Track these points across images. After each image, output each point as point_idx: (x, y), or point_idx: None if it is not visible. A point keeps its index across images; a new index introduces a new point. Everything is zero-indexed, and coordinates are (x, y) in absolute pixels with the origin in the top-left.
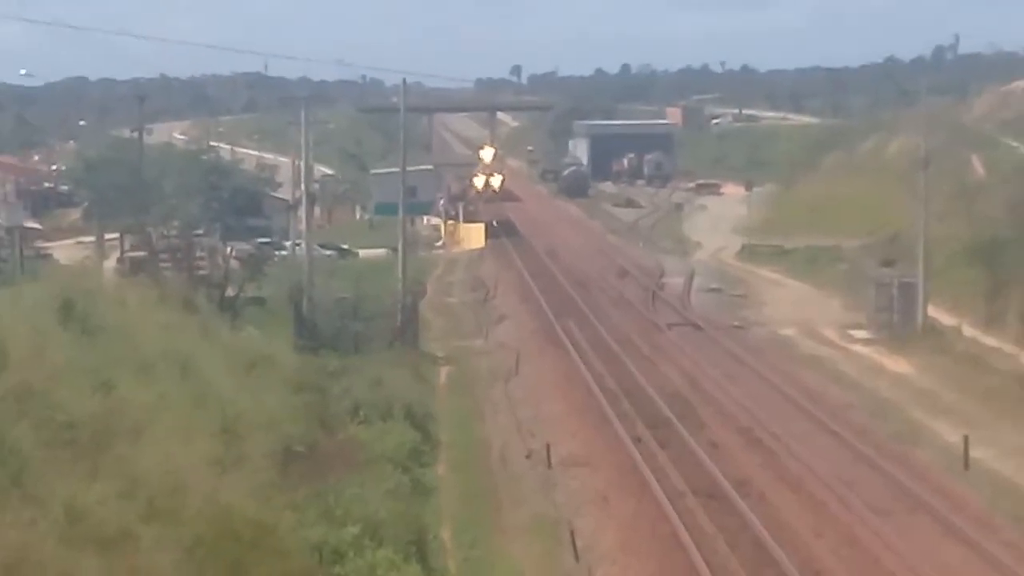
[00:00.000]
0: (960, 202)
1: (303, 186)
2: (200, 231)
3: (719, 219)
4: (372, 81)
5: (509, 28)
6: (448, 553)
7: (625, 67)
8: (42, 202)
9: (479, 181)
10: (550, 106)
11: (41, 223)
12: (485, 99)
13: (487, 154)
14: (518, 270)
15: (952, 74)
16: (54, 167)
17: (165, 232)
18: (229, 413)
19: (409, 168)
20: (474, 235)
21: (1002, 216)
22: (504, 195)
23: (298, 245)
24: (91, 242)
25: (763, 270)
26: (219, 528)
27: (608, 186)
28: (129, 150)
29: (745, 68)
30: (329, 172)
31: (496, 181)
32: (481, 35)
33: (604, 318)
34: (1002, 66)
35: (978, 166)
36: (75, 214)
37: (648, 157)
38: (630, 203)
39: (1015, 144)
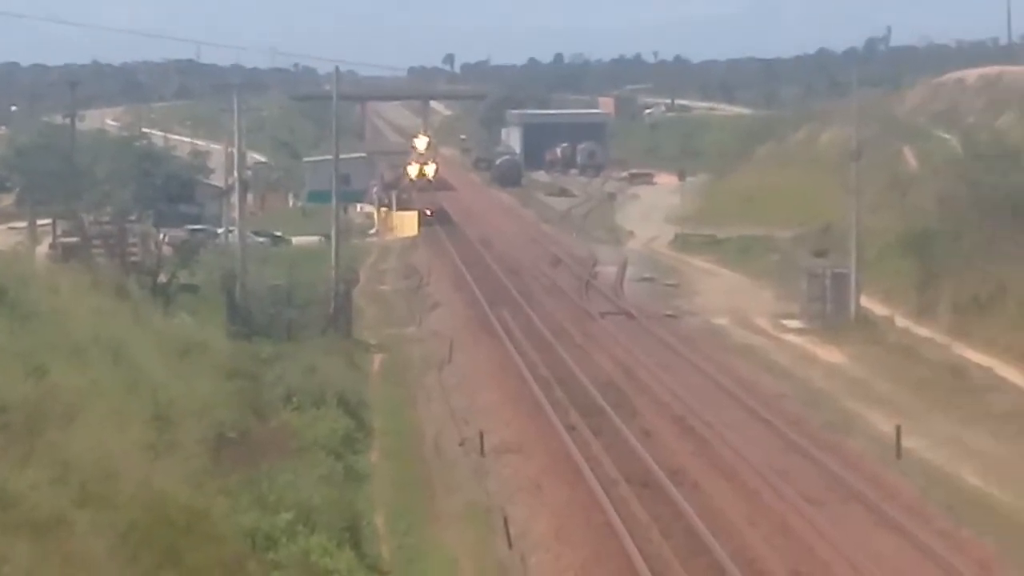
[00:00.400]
0: (892, 193)
1: (236, 173)
2: (133, 217)
3: (652, 208)
4: (305, 69)
5: (442, 16)
6: (382, 540)
7: (558, 56)
8: None
9: (413, 170)
10: (483, 95)
11: None
12: (418, 88)
13: (421, 143)
14: (451, 258)
15: (884, 66)
16: None
17: (98, 218)
18: (162, 399)
19: (342, 156)
20: (407, 223)
21: (933, 208)
22: (438, 184)
23: (231, 232)
24: (23, 228)
25: (696, 259)
26: (153, 514)
27: (541, 175)
28: (61, 136)
29: (678, 58)
30: (262, 159)
31: (430, 170)
32: (414, 23)
33: (537, 306)
34: (934, 58)
35: (910, 158)
36: (7, 200)
37: (581, 146)
38: (563, 192)
39: (946, 136)
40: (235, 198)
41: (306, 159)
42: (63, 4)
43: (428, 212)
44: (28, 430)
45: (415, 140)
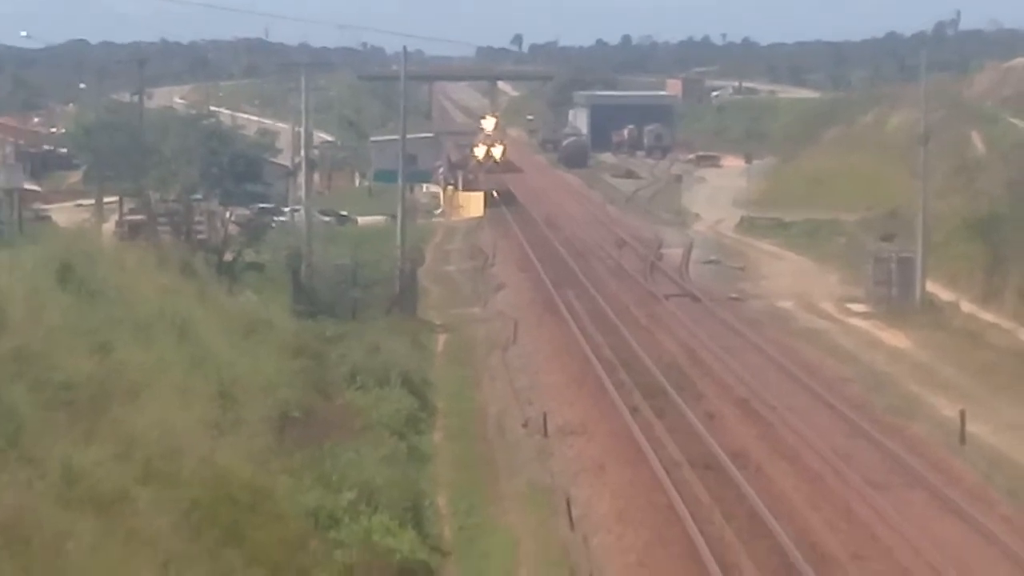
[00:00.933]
0: (959, 178)
1: (303, 152)
2: (199, 196)
3: (718, 191)
4: (373, 48)
5: None
6: (444, 520)
7: (626, 38)
8: (41, 164)
9: (480, 151)
10: (550, 76)
11: (40, 185)
12: (486, 68)
13: (489, 124)
14: (517, 239)
15: (953, 50)
16: (53, 129)
17: (164, 196)
18: (226, 377)
19: (409, 136)
20: (473, 203)
21: (1001, 192)
22: (505, 165)
23: (297, 211)
24: (90, 205)
25: (762, 243)
26: (216, 491)
27: (608, 157)
28: (129, 114)
29: (746, 41)
30: (329, 139)
31: (497, 151)
32: (482, 3)
33: (602, 288)
34: (1003, 42)
35: (978, 142)
36: (74, 177)
37: (648, 128)
38: (629, 174)
39: (1015, 121)
40: (301, 177)
41: (373, 139)
42: None
43: (495, 193)
44: (93, 407)
45: (482, 121)
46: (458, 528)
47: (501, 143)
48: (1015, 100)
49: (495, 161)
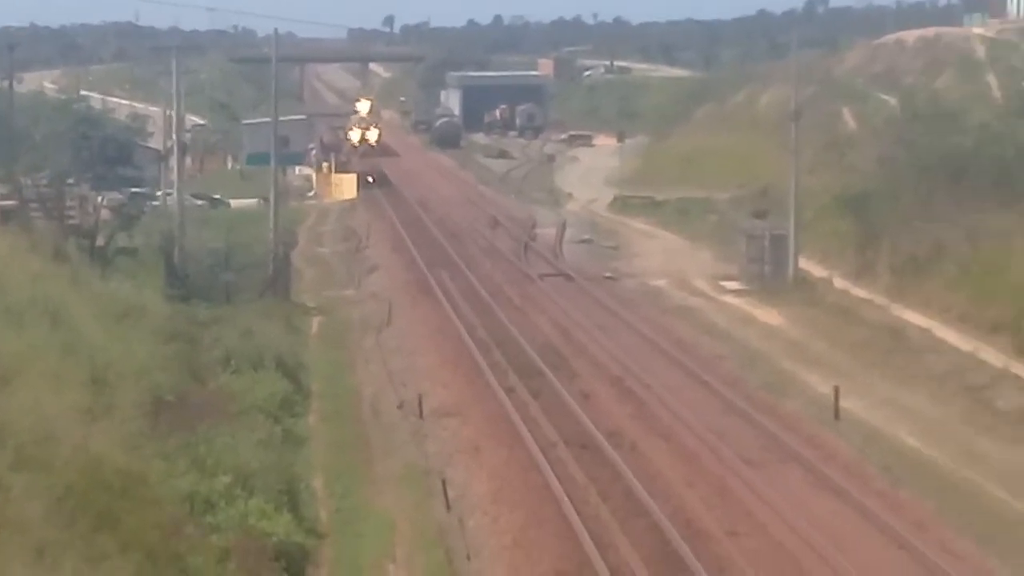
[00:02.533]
0: (831, 154)
1: (174, 136)
2: (71, 180)
3: (591, 170)
4: (244, 31)
5: None
6: (320, 503)
7: (497, 18)
8: None
9: (355, 135)
10: (422, 57)
11: None
12: (357, 50)
13: (363, 107)
14: (390, 220)
15: (823, 27)
16: None
17: (35, 181)
18: (99, 362)
19: (281, 118)
20: (346, 185)
21: (872, 169)
22: (381, 149)
23: (169, 195)
24: None
25: (635, 221)
26: (89, 477)
27: (480, 137)
28: None
29: (617, 20)
30: (201, 122)
31: (373, 135)
32: None
33: (476, 268)
34: (873, 19)
35: (849, 119)
36: None
37: (520, 108)
38: (502, 154)
39: (885, 97)
40: (174, 161)
41: (245, 121)
42: None
43: (370, 179)
44: None
45: (357, 104)
46: (334, 510)
47: (376, 126)
48: (885, 76)
49: (371, 145)
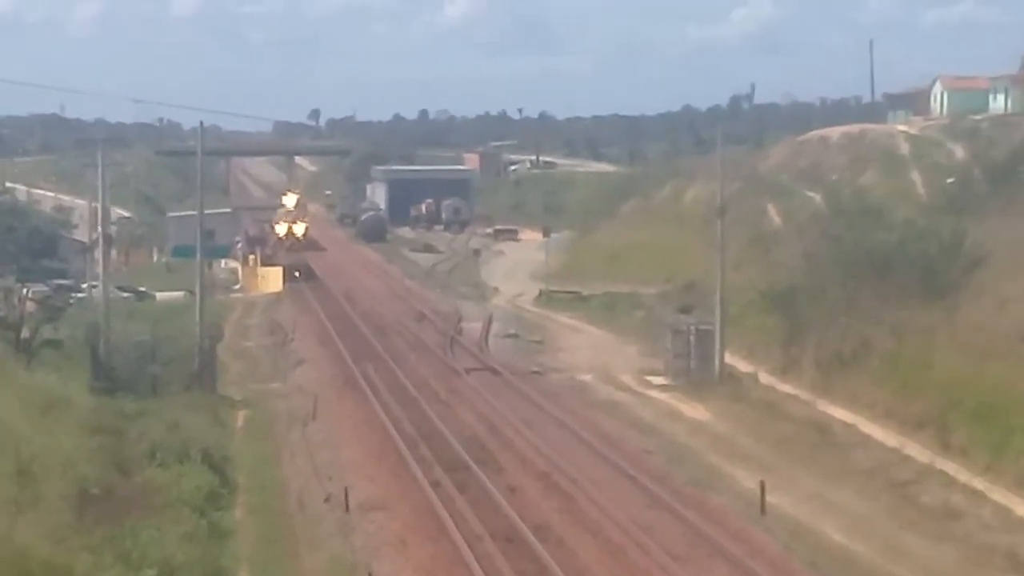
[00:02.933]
0: (756, 250)
1: (100, 228)
2: None
3: (517, 265)
4: (170, 124)
5: (307, 71)
6: None
7: (423, 112)
8: None
9: (281, 228)
10: (348, 151)
11: None
12: (283, 143)
13: (290, 200)
14: (316, 314)
15: (748, 124)
16: None
17: None
18: (24, 454)
19: (207, 211)
20: (272, 279)
21: (797, 264)
22: (308, 243)
23: (95, 287)
24: None
25: (561, 316)
26: (14, 569)
27: (406, 231)
28: None
29: (543, 115)
30: (126, 215)
31: (300, 229)
32: (279, 78)
33: (402, 362)
34: (798, 116)
35: (774, 214)
36: None
37: (446, 202)
38: (428, 248)
39: (810, 193)
40: (99, 253)
41: (171, 214)
42: None
43: (296, 273)
44: None
45: (284, 198)
46: None
47: (303, 220)
48: (810, 172)
49: (297, 239)
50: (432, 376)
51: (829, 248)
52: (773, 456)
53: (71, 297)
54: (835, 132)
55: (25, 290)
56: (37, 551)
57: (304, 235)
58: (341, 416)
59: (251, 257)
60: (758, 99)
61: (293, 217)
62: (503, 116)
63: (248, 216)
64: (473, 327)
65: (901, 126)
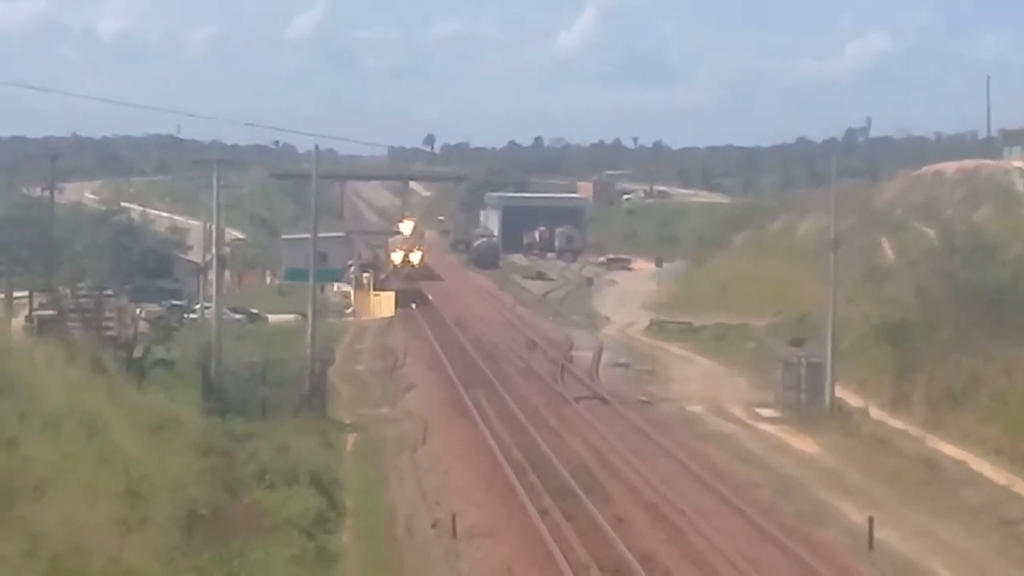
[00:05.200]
0: (869, 284)
1: (214, 249)
2: (109, 292)
3: (629, 294)
4: (285, 147)
5: (422, 98)
6: None
7: (538, 140)
8: None
9: (397, 256)
10: (463, 177)
11: None
12: (398, 168)
13: (407, 227)
14: (427, 339)
15: (863, 157)
16: None
17: (74, 292)
18: (134, 474)
19: (320, 234)
20: (384, 303)
21: (910, 299)
22: (423, 272)
23: (207, 308)
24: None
25: (672, 346)
26: None
27: (519, 258)
28: (40, 209)
29: (657, 144)
30: (240, 236)
31: (415, 257)
32: (394, 104)
33: (512, 389)
34: (913, 150)
35: (887, 249)
36: None
37: (559, 230)
38: (540, 276)
39: (924, 228)
40: (212, 274)
41: (284, 236)
42: (42, 76)
43: (412, 304)
44: None
45: (400, 224)
46: None
47: (419, 248)
48: (924, 207)
49: (413, 267)
50: (542, 404)
51: (942, 283)
52: (882, 491)
53: (183, 317)
54: (950, 167)
55: (138, 310)
56: (145, 571)
57: (420, 263)
58: (450, 442)
59: (364, 281)
60: (873, 133)
61: (409, 245)
62: (617, 145)
63: (361, 240)
64: (584, 356)
65: (1017, 162)
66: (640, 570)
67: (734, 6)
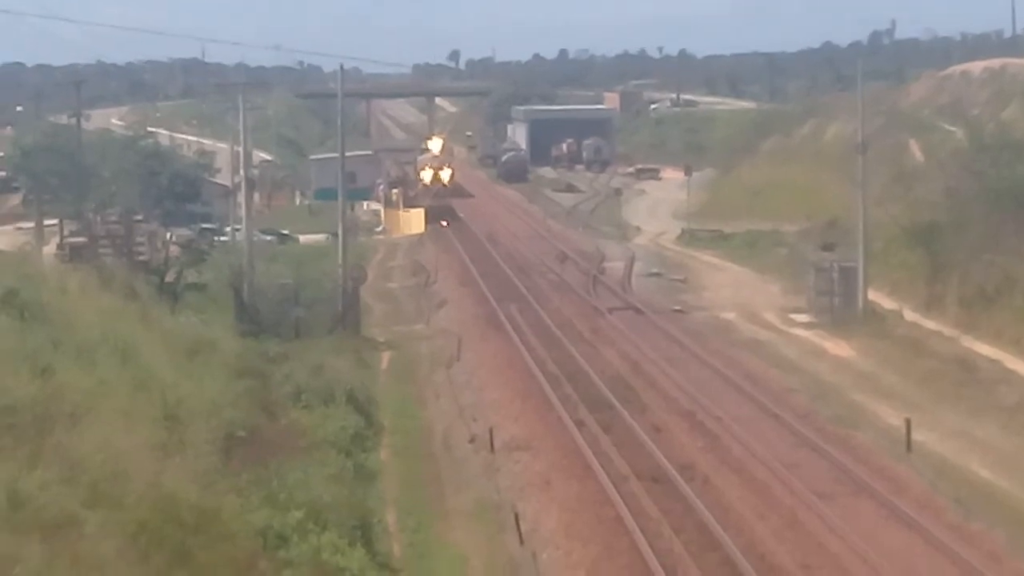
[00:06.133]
0: (898, 186)
1: (242, 172)
2: (140, 217)
3: (658, 204)
4: (310, 67)
5: (446, 14)
6: (392, 537)
7: (563, 52)
8: None
9: (427, 175)
10: (488, 91)
11: None
12: (423, 85)
13: (436, 145)
14: (459, 255)
15: (889, 59)
16: None
17: (104, 218)
18: (170, 398)
19: (348, 154)
20: (414, 220)
21: (940, 200)
22: (453, 190)
23: (238, 230)
24: (30, 228)
25: (703, 255)
26: (163, 514)
27: (547, 171)
28: (67, 136)
29: (683, 53)
30: (268, 158)
31: (446, 175)
32: (418, 20)
33: (545, 302)
34: (938, 51)
35: (916, 150)
36: (14, 200)
37: (587, 142)
38: (570, 188)
39: (952, 128)
40: (241, 197)
41: (312, 157)
42: (65, 4)
43: (443, 222)
44: (36, 430)
45: (429, 142)
46: (407, 545)
47: (449, 166)
48: (951, 108)
49: (444, 185)
50: (575, 316)
51: (972, 183)
52: (918, 393)
53: (214, 241)
54: (977, 67)
55: (169, 234)
56: (185, 495)
57: (450, 181)
58: (484, 357)
59: (393, 198)
60: (898, 34)
61: (439, 163)
62: (643, 55)
63: (390, 158)
64: (615, 266)
65: None
66: (679, 478)
67: None
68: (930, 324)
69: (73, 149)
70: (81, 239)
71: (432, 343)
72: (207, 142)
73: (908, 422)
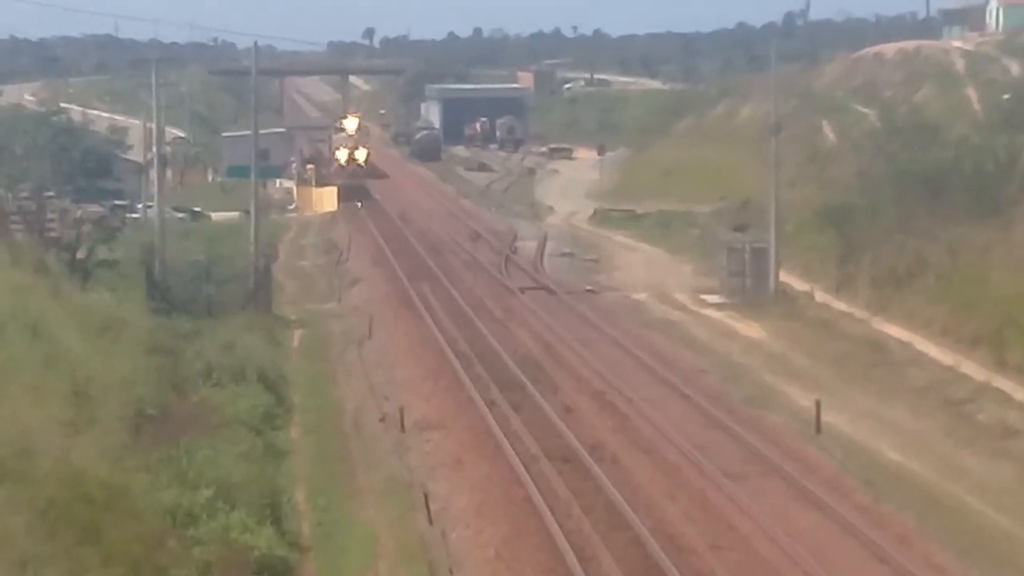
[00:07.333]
0: (811, 168)
1: (154, 148)
2: (51, 193)
3: (571, 183)
4: (224, 44)
5: None
6: (302, 516)
7: (477, 31)
8: None
9: (342, 155)
10: (402, 69)
11: None
12: (337, 62)
13: (351, 124)
14: (371, 234)
15: (803, 40)
16: None
17: (15, 194)
18: (80, 375)
19: (261, 131)
20: (327, 198)
21: (852, 182)
22: (369, 170)
23: (150, 207)
24: None
25: (616, 235)
26: (71, 490)
27: (460, 150)
28: None
29: (597, 33)
30: (181, 135)
31: (361, 155)
32: None
33: (457, 281)
34: (852, 33)
35: (829, 132)
36: None
37: (500, 121)
38: (482, 167)
39: (865, 110)
40: (154, 173)
41: (225, 134)
42: None
43: (358, 203)
44: None
45: (344, 121)
46: (317, 524)
47: (365, 146)
48: (865, 90)
49: (360, 165)
50: (487, 295)
51: (884, 165)
52: (828, 374)
53: (126, 217)
54: (890, 49)
55: (80, 211)
56: (94, 472)
57: (366, 161)
58: (396, 336)
59: (307, 176)
60: (812, 16)
61: (355, 143)
62: (557, 34)
63: (303, 136)
64: (528, 246)
65: (956, 42)
66: (588, 458)
67: None
68: (841, 305)
69: None
70: None
71: (344, 321)
72: (120, 118)
73: (818, 403)
